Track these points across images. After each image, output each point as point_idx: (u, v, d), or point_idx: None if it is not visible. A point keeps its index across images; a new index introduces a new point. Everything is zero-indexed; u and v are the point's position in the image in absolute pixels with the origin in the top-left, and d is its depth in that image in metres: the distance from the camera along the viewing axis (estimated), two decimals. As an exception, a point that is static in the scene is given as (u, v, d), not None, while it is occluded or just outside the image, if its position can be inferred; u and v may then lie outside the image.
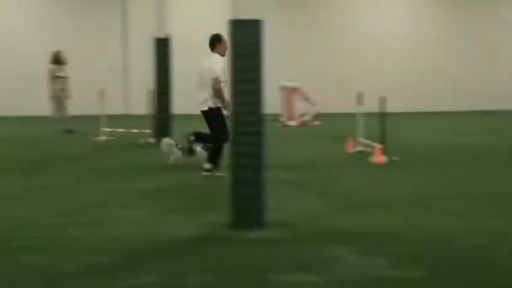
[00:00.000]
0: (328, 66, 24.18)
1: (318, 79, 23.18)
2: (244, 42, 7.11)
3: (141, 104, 19.63)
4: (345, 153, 13.32)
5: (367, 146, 13.08)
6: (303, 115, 20.35)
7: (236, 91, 7.20)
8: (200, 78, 10.74)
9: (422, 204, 8.55)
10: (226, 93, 9.53)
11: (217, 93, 10.44)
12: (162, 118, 15.39)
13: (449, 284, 5.48)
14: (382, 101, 12.28)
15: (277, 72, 21.32)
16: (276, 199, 8.10)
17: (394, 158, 12.10)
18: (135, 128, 16.32)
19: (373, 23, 24.55)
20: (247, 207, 7.21)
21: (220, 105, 10.54)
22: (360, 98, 13.73)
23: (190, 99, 11.52)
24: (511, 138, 15.79)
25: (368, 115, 13.48)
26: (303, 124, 19.80)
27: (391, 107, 21.48)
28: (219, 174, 10.61)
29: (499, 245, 6.55)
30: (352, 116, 14.59)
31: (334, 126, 19.05)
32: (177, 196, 9.32)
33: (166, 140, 12.31)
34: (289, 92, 20.54)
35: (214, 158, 10.77)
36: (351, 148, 13.47)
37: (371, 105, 13.53)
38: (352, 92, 14.85)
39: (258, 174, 7.21)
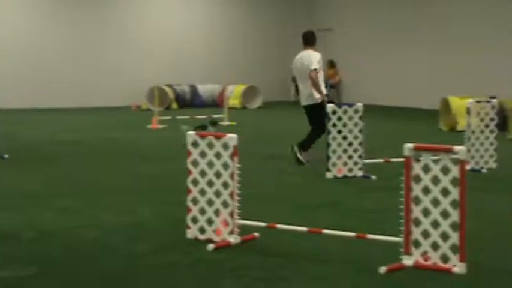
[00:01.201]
0: None
1: None
2: None
3: None
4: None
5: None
6: None
7: None
8: (300, 73, 11.38)
9: (35, 202, 8.46)
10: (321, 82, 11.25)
11: (313, 82, 11.10)
12: None
13: (60, 279, 5.52)
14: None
15: None
16: None
17: (6, 156, 11.82)
18: None
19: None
20: None
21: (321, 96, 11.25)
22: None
23: None
24: (118, 134, 16.36)
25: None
26: None
27: (5, 104, 20.89)
28: (302, 158, 11.21)
29: (108, 237, 6.78)
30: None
31: None
32: None
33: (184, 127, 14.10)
34: None
35: (306, 144, 11.34)
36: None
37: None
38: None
39: None
